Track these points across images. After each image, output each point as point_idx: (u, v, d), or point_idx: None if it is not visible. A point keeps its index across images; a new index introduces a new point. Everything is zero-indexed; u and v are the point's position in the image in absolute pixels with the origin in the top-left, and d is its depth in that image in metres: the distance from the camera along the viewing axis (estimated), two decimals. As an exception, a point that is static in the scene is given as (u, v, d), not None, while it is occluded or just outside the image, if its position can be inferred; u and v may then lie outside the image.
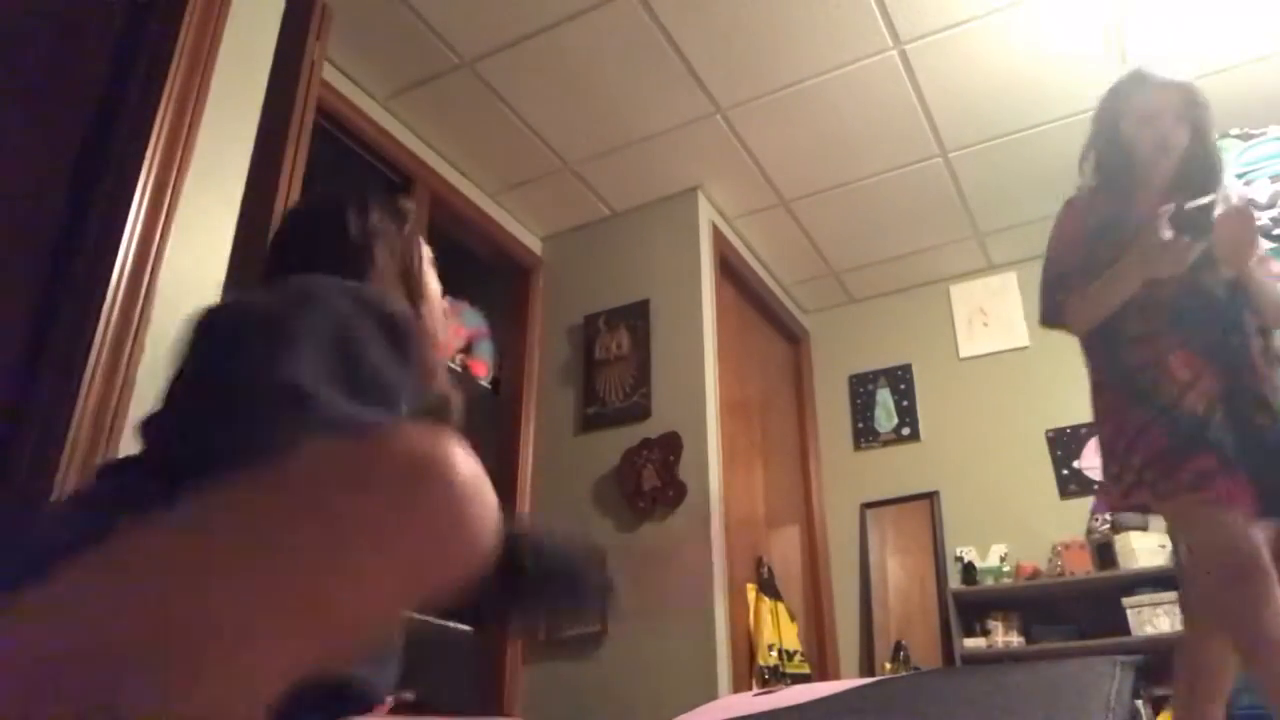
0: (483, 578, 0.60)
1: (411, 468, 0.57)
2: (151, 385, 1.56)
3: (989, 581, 3.64)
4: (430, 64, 2.94)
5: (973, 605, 3.63)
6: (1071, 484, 3.72)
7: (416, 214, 1.27)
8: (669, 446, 3.19)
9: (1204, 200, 1.79)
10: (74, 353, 1.50)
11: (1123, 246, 1.87)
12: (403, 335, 0.91)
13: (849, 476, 4.18)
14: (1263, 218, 2.32)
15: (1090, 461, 3.71)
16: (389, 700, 0.91)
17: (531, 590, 1.05)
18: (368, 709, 0.86)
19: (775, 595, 3.46)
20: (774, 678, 3.21)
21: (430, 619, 1.05)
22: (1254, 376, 1.82)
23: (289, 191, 1.95)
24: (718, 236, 3.68)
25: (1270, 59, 3.04)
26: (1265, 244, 2.14)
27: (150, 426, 0.89)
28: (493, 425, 3.41)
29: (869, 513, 4.09)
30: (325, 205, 1.17)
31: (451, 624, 1.49)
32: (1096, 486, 3.64)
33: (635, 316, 3.46)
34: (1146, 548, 3.33)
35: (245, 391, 0.78)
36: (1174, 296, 1.86)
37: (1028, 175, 3.53)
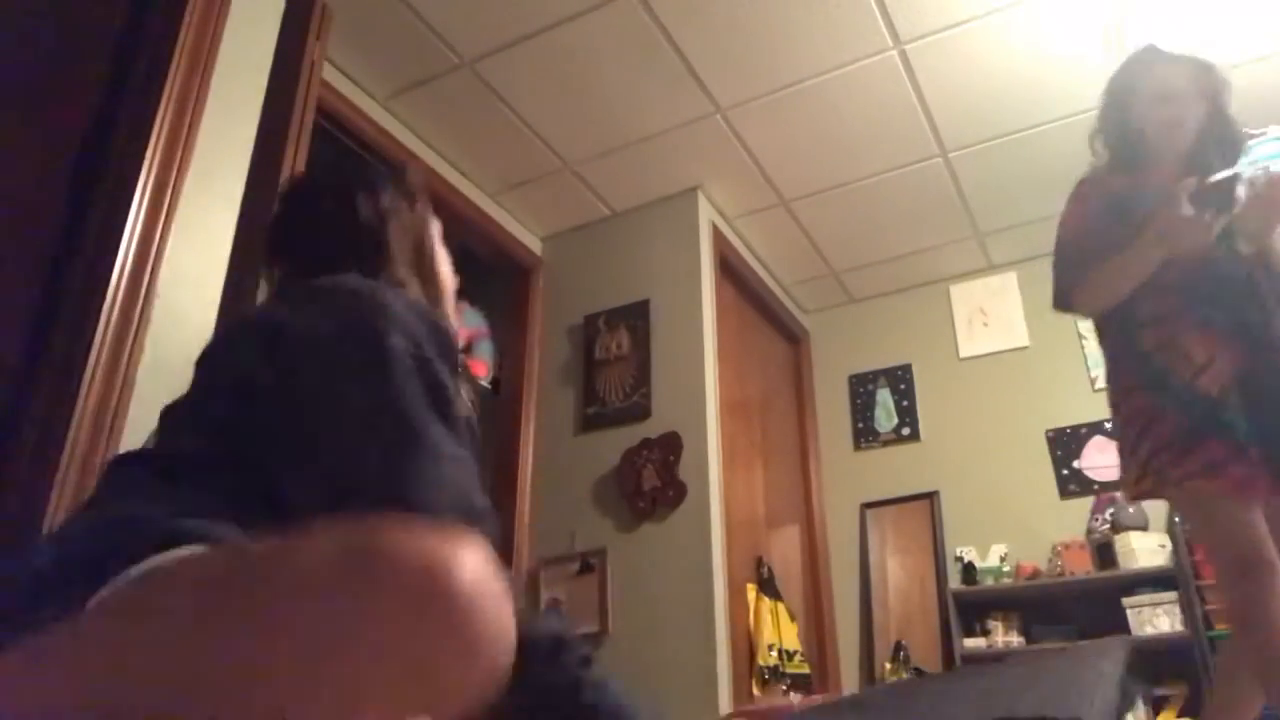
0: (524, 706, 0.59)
1: (416, 581, 0.56)
2: (151, 385, 1.56)
3: (989, 581, 3.64)
4: (430, 64, 2.94)
5: (973, 605, 3.63)
6: (1071, 484, 3.72)
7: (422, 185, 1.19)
8: (669, 446, 3.19)
9: (1228, 172, 1.76)
10: (74, 353, 1.49)
11: (1138, 225, 1.81)
12: (450, 349, 0.92)
13: (849, 476, 4.18)
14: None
15: (1090, 461, 3.71)
16: None
17: None
18: None
19: (775, 595, 3.46)
20: (774, 678, 3.21)
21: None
22: (1276, 353, 1.76)
23: (289, 191, 1.95)
24: (718, 236, 3.68)
25: (1270, 59, 3.04)
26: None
27: (174, 418, 0.89)
28: (493, 425, 3.41)
29: (869, 513, 4.09)
30: (329, 185, 1.12)
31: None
32: (1103, 480, 3.64)
33: (635, 316, 3.46)
34: (1146, 548, 3.34)
35: (363, 418, 0.81)
36: (1190, 275, 1.80)
37: (1028, 175, 3.53)
